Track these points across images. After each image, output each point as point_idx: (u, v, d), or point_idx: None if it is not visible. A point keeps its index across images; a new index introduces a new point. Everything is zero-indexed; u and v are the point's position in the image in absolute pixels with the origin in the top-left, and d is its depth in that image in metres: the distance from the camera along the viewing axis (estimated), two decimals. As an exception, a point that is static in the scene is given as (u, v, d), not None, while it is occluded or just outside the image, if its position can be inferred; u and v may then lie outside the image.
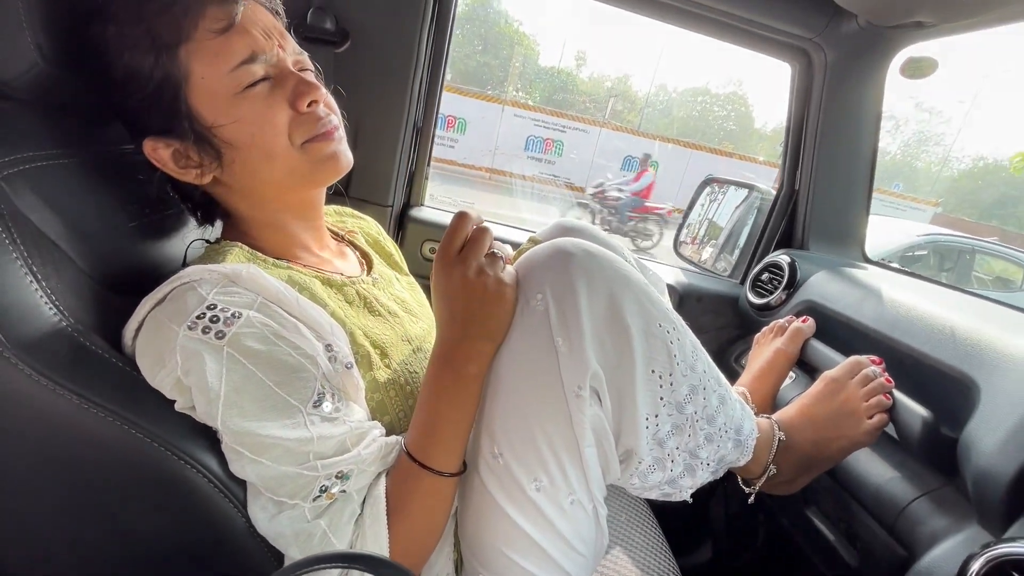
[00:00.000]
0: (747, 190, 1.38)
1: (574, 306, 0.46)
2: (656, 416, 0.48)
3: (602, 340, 0.46)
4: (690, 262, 1.37)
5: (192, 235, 0.60)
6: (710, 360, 0.54)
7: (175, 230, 0.59)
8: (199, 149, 0.49)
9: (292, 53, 0.52)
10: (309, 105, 0.50)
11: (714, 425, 0.52)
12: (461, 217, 0.48)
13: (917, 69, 0.90)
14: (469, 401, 0.48)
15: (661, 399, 0.48)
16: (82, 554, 0.45)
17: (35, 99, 0.48)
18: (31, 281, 0.40)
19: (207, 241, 0.57)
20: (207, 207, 0.56)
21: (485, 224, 0.49)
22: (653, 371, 0.48)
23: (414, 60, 1.03)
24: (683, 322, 0.52)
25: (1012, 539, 0.47)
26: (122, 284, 0.49)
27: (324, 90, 0.53)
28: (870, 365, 0.67)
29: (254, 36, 0.48)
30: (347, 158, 0.54)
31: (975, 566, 0.46)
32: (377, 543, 0.44)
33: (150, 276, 0.53)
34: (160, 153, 0.49)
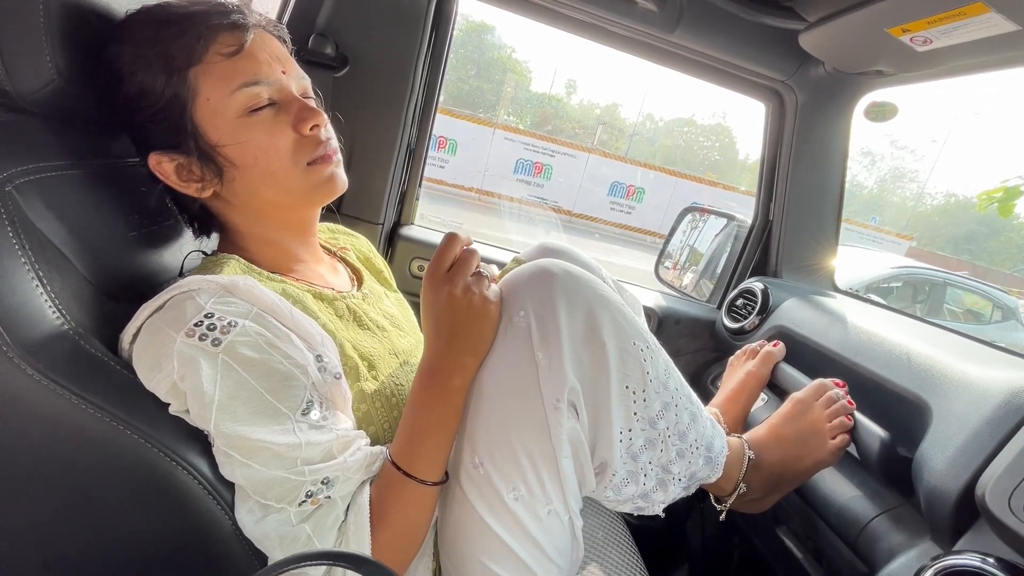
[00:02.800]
0: (726, 219, 1.44)
1: (554, 323, 0.49)
2: (630, 430, 0.51)
3: (580, 356, 0.49)
4: (670, 286, 1.42)
5: (189, 246, 0.62)
6: (682, 379, 0.57)
7: (173, 241, 0.61)
8: (202, 165, 0.51)
9: (296, 79, 0.55)
10: (311, 129, 0.53)
11: (685, 441, 0.54)
12: (451, 238, 0.51)
13: (879, 113, 0.97)
14: (452, 413, 0.50)
15: (635, 414, 0.51)
16: (74, 549, 0.46)
17: (46, 112, 0.50)
18: (36, 285, 0.42)
19: (204, 253, 0.59)
20: (204, 219, 0.58)
21: (473, 246, 0.52)
22: (627, 387, 0.50)
23: (410, 85, 1.08)
24: (657, 342, 0.55)
25: (959, 552, 0.51)
26: (121, 291, 0.51)
27: (325, 115, 0.56)
28: (834, 388, 0.71)
29: (260, 60, 0.51)
30: (343, 181, 0.57)
31: (925, 578, 0.49)
32: (360, 549, 0.45)
33: (148, 284, 0.55)
34: (164, 167, 0.51)
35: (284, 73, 0.53)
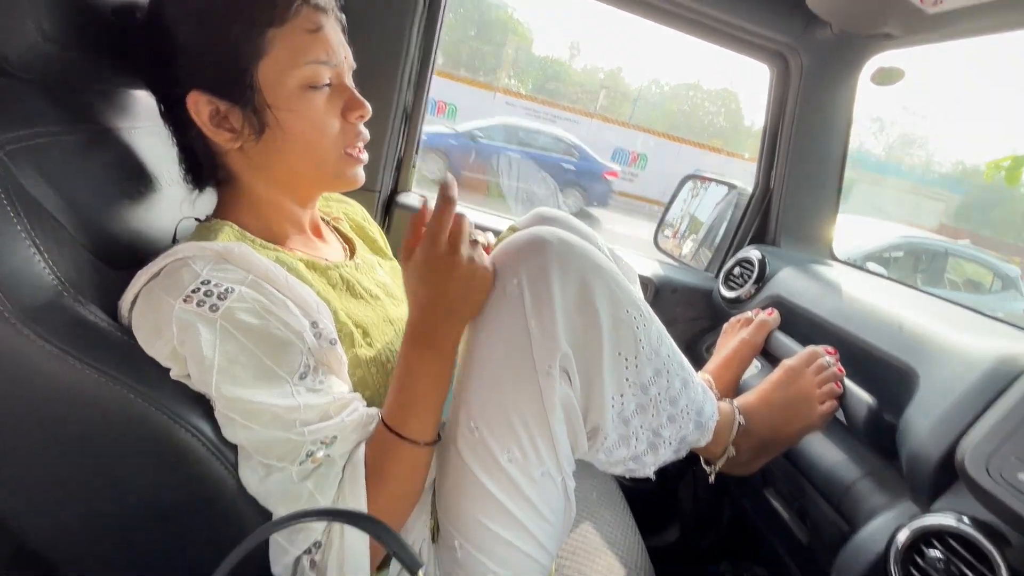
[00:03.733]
0: (727, 188, 1.42)
1: (547, 291, 0.49)
2: (622, 396, 0.52)
3: (572, 323, 0.50)
4: (669, 255, 1.42)
5: (183, 213, 0.62)
6: (675, 346, 0.58)
7: (167, 207, 0.61)
8: (245, 118, 0.51)
9: (350, 66, 0.57)
10: (357, 118, 0.56)
11: (676, 406, 0.56)
12: (447, 203, 0.50)
13: (886, 77, 0.95)
14: (443, 376, 0.52)
15: (627, 380, 0.52)
16: (84, 509, 0.48)
17: (35, 77, 0.49)
18: (34, 252, 0.42)
19: (198, 219, 0.59)
20: (209, 170, 0.57)
21: (462, 211, 0.52)
22: (620, 353, 0.51)
23: (405, 44, 1.05)
24: (650, 309, 0.55)
25: (935, 512, 0.53)
26: (116, 257, 0.52)
27: (369, 108, 0.58)
28: (825, 355, 0.72)
29: (331, 43, 0.53)
30: (361, 179, 0.60)
31: (902, 536, 0.52)
32: (356, 504, 0.47)
33: (143, 251, 0.56)
34: (200, 108, 0.50)
35: (344, 59, 0.55)
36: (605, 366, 0.51)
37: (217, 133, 0.52)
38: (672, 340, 0.57)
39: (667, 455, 0.57)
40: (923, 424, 0.59)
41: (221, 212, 0.58)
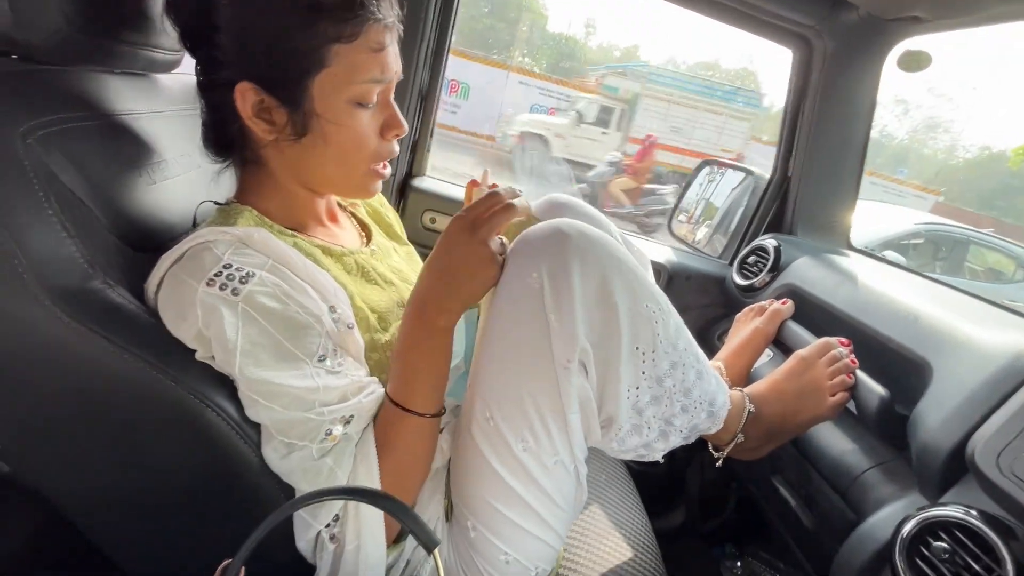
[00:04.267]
0: (744, 174, 1.40)
1: (567, 286, 0.49)
2: (637, 388, 0.52)
3: (591, 318, 0.50)
4: (683, 242, 1.41)
5: (204, 197, 0.63)
6: (691, 338, 0.57)
7: (189, 192, 0.62)
8: (290, 119, 0.52)
9: (397, 78, 0.57)
10: (393, 136, 0.57)
11: (690, 397, 0.56)
12: (497, 195, 0.52)
13: (913, 62, 0.92)
14: (441, 351, 0.54)
15: (643, 373, 0.52)
16: (112, 482, 0.50)
17: (60, 63, 0.50)
18: (65, 236, 0.44)
19: (217, 203, 0.60)
20: (236, 149, 0.57)
21: (513, 202, 0.53)
22: (637, 347, 0.52)
23: (421, 25, 1.03)
24: (668, 302, 0.55)
25: (943, 504, 0.53)
26: (140, 241, 0.53)
27: (406, 126, 0.58)
28: (838, 346, 0.72)
29: (388, 61, 0.53)
30: (379, 191, 0.62)
31: (908, 526, 0.52)
32: (369, 476, 0.49)
33: (166, 234, 0.57)
34: (247, 97, 0.51)
35: (395, 73, 0.55)
36: (623, 360, 0.51)
37: (256, 123, 0.52)
38: (688, 331, 0.58)
39: (677, 441, 0.58)
40: (935, 417, 0.59)
41: (242, 195, 0.59)
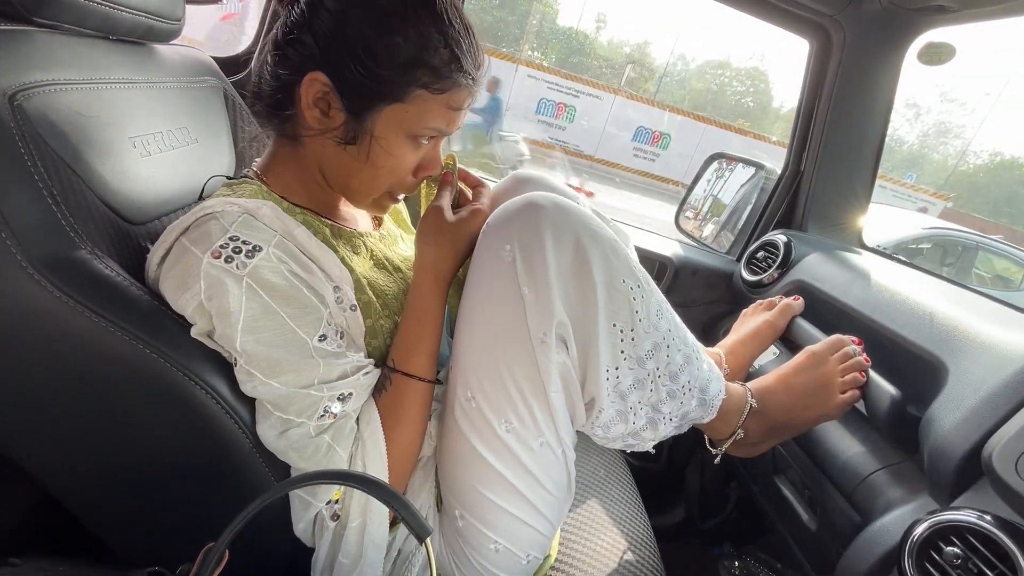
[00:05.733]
0: (754, 168, 1.38)
1: (540, 256, 0.48)
2: (617, 368, 0.50)
3: (568, 290, 0.49)
4: (690, 236, 1.39)
5: (204, 171, 0.61)
6: (677, 320, 0.55)
7: (186, 166, 0.60)
8: (346, 124, 0.51)
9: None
10: (423, 177, 0.58)
11: (677, 382, 0.53)
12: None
13: (935, 55, 0.89)
14: (442, 312, 0.57)
15: (622, 352, 0.50)
16: (100, 459, 0.49)
17: (52, 25, 0.48)
18: (51, 203, 0.42)
19: (227, 177, 0.58)
20: (283, 119, 0.55)
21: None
22: (615, 325, 0.50)
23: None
24: (650, 279, 0.53)
25: (955, 508, 0.51)
26: (132, 214, 0.51)
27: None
28: (851, 344, 0.70)
29: (457, 121, 0.55)
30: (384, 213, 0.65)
31: (919, 530, 0.50)
32: (377, 452, 0.49)
33: (161, 207, 0.55)
34: (315, 85, 0.50)
35: (457, 128, 0.56)
36: (600, 337, 0.49)
37: (311, 111, 0.51)
38: (675, 314, 0.55)
39: (667, 431, 0.56)
40: (949, 418, 0.57)
41: (267, 165, 0.57)
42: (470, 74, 0.52)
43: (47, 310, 0.41)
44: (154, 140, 0.56)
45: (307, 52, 0.50)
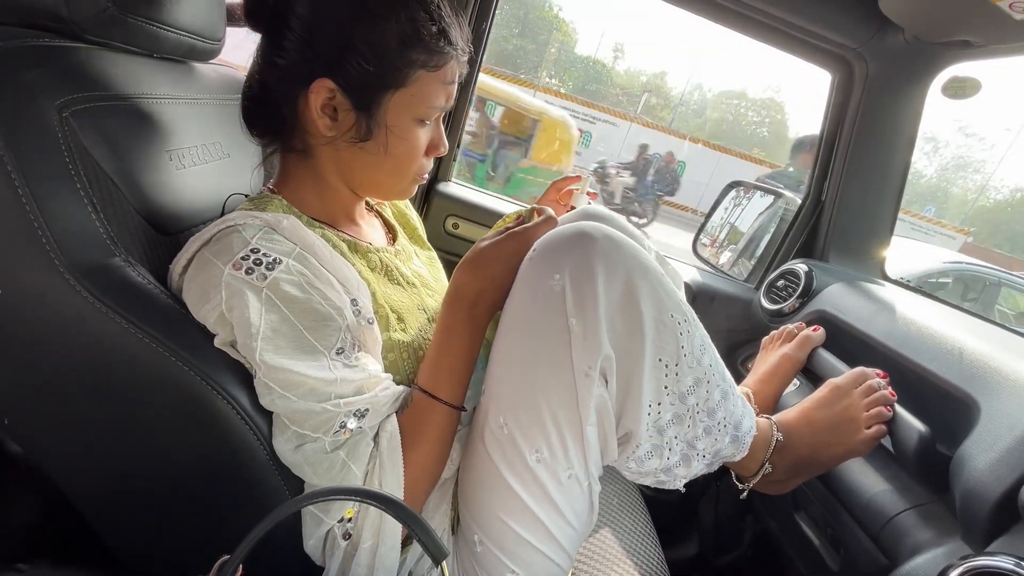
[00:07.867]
0: (773, 197, 1.37)
1: (591, 289, 0.48)
2: (659, 404, 0.50)
3: (615, 325, 0.48)
4: (707, 263, 1.38)
5: (232, 187, 0.63)
6: (717, 356, 0.55)
7: (217, 180, 0.62)
8: (356, 123, 0.53)
9: None
10: (435, 154, 0.60)
11: (714, 418, 0.53)
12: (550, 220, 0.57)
13: (960, 89, 0.89)
14: (477, 340, 0.56)
15: (665, 387, 0.50)
16: (119, 466, 0.49)
17: (102, 42, 0.50)
18: (90, 211, 0.43)
19: (245, 196, 0.59)
20: (285, 136, 0.56)
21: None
22: (660, 359, 0.49)
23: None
24: (695, 315, 0.53)
25: (992, 553, 0.49)
26: (164, 224, 0.52)
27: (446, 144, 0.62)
28: (875, 377, 0.68)
29: (452, 94, 0.57)
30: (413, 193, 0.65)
31: (952, 575, 0.48)
32: (394, 471, 0.48)
33: (191, 219, 0.56)
34: (320, 92, 0.51)
35: (452, 102, 0.58)
36: (645, 372, 0.49)
37: (320, 117, 0.52)
38: (715, 349, 0.55)
39: (699, 468, 0.55)
40: (983, 459, 0.55)
41: (281, 182, 0.58)
42: (457, 44, 0.54)
43: (80, 315, 0.42)
44: (188, 154, 0.58)
45: (304, 62, 0.51)
